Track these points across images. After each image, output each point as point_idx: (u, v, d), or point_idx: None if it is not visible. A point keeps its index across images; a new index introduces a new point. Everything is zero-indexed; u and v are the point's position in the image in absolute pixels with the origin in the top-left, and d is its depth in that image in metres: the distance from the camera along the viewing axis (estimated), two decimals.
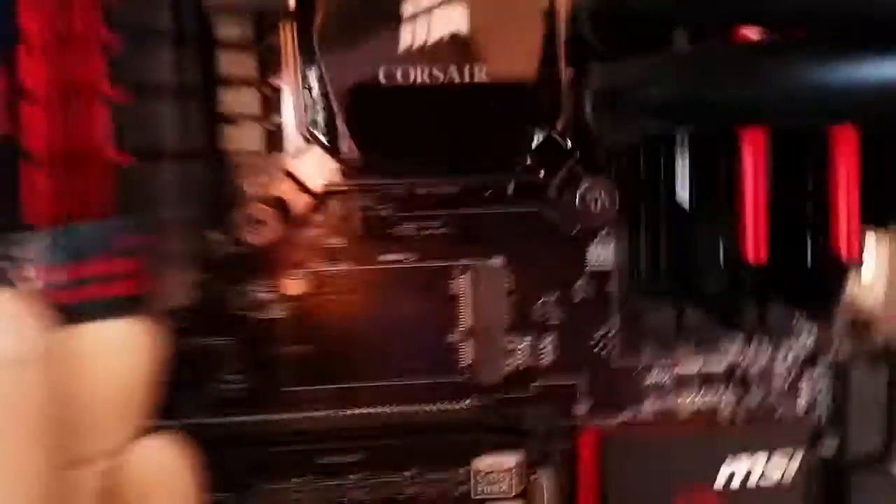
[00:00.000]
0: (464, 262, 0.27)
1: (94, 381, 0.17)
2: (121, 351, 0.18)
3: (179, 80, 0.23)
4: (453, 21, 0.21)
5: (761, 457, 0.26)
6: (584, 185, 0.25)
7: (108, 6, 0.21)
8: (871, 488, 0.27)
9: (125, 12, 0.21)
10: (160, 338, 0.18)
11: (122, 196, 0.20)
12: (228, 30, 0.24)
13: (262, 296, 0.26)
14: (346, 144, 0.23)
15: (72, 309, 0.18)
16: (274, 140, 0.25)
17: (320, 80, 0.22)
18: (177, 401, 0.25)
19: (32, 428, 0.15)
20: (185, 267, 0.25)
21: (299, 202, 0.25)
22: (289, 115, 0.24)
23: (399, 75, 0.22)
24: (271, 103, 0.24)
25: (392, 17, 0.21)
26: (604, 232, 0.27)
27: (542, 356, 0.28)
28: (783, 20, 0.17)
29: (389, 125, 0.22)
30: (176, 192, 0.23)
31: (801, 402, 0.28)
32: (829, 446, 0.28)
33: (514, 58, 0.22)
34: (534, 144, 0.24)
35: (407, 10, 0.21)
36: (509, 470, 0.27)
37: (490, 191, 0.26)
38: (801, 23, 0.17)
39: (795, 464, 0.26)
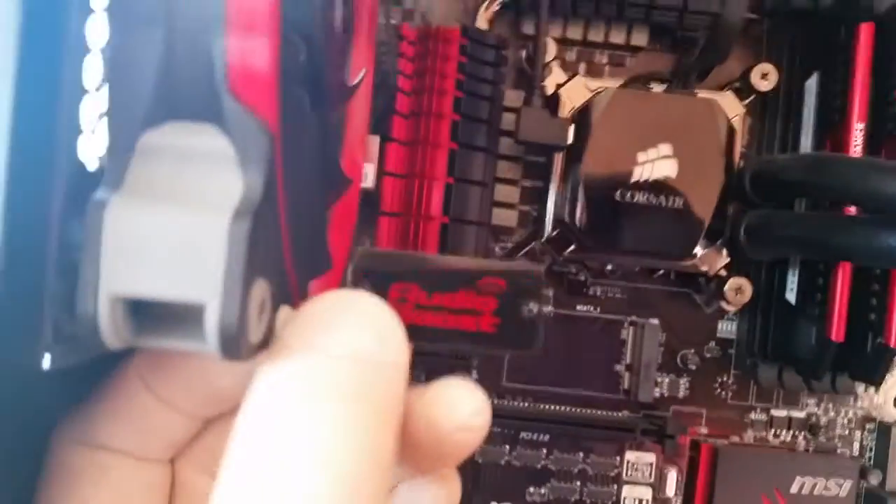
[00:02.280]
0: (632, 318, 0.40)
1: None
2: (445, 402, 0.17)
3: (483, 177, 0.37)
4: (667, 169, 0.35)
5: (822, 478, 0.38)
6: (728, 283, 0.38)
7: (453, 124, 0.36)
8: None
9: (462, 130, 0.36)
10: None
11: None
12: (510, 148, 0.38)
13: None
14: (582, 228, 0.36)
15: (420, 331, 0.18)
16: (525, 220, 0.39)
17: (574, 190, 0.36)
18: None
19: (383, 424, 0.15)
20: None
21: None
22: (547, 206, 0.38)
23: (628, 196, 0.35)
24: (532, 196, 0.39)
25: (630, 161, 0.35)
26: (730, 313, 0.40)
27: (679, 390, 0.41)
28: (868, 207, 0.31)
29: (613, 224, 0.36)
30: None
31: (856, 446, 0.40)
32: (872, 479, 0.40)
33: (700, 196, 0.36)
34: (699, 251, 0.37)
35: (640, 158, 0.35)
36: (649, 463, 0.40)
37: (660, 273, 0.40)
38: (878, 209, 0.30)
39: (847, 486, 0.38)
